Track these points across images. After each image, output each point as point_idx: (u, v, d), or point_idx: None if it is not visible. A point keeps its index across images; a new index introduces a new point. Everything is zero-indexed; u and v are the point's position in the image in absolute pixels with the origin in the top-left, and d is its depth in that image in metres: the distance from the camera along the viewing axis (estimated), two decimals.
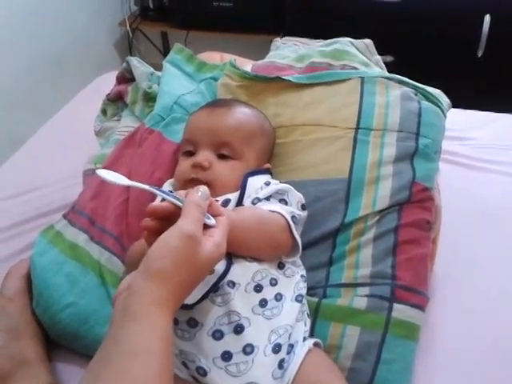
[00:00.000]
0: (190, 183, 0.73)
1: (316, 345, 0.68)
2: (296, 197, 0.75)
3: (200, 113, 0.83)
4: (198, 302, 0.62)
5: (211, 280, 0.62)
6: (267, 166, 0.81)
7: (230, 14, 2.19)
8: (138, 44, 2.63)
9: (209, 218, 0.57)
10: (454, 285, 0.85)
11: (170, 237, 0.51)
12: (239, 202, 0.71)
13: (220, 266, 0.64)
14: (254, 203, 0.71)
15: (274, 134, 0.87)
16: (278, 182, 0.76)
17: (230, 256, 0.65)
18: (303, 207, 0.75)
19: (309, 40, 1.11)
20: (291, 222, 0.69)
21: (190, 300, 0.61)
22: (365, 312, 0.71)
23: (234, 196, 0.72)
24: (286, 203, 0.73)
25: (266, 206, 0.70)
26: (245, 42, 2.18)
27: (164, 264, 0.49)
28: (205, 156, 0.75)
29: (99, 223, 0.83)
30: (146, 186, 0.57)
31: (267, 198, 0.72)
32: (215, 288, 0.63)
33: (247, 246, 0.66)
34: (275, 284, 0.67)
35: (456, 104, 1.11)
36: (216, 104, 0.85)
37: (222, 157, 0.76)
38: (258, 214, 0.69)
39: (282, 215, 0.69)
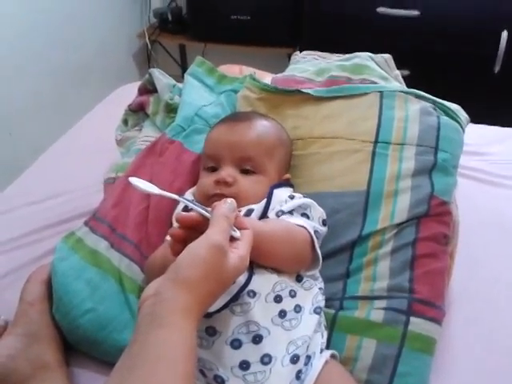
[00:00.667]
0: (213, 198, 0.73)
1: (333, 356, 0.68)
2: (318, 212, 0.76)
3: (220, 128, 0.83)
4: (219, 310, 0.63)
5: (233, 290, 0.63)
6: (287, 176, 0.82)
7: (247, 27, 2.22)
8: (156, 56, 2.67)
9: (234, 231, 0.58)
10: (471, 301, 0.85)
11: (199, 247, 0.52)
12: (264, 213, 0.72)
13: (241, 277, 0.64)
14: (278, 215, 0.72)
15: (291, 145, 0.88)
16: (301, 195, 0.77)
17: (252, 266, 0.66)
18: (324, 223, 0.76)
19: (328, 54, 1.12)
20: (314, 237, 0.71)
21: (210, 308, 0.62)
22: (381, 325, 0.71)
23: (258, 206, 0.73)
24: (308, 217, 0.74)
25: (290, 220, 0.71)
26: (262, 55, 2.20)
27: (193, 273, 0.51)
28: (228, 172, 0.76)
29: (120, 231, 0.84)
30: (176, 196, 0.59)
31: (290, 212, 0.73)
32: (236, 298, 0.64)
33: (275, 257, 0.67)
34: (294, 296, 0.68)
35: (472, 119, 1.11)
36: (235, 118, 0.86)
37: (245, 172, 0.77)
38: (286, 226, 0.70)
39: (307, 230, 0.70)
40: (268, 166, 0.79)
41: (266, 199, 0.74)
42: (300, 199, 0.75)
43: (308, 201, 0.76)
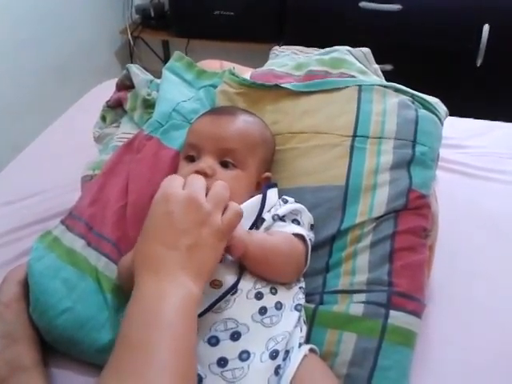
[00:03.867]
0: None
1: (312, 351, 0.67)
2: (307, 218, 0.76)
3: (204, 119, 0.82)
4: (203, 313, 0.63)
5: (219, 292, 0.64)
6: (267, 174, 0.81)
7: (231, 23, 2.22)
8: (139, 52, 2.65)
9: None
10: (451, 294, 0.85)
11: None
12: (259, 215, 0.72)
13: (230, 280, 0.65)
14: (273, 219, 0.73)
15: (274, 143, 0.87)
16: (293, 200, 0.77)
17: (241, 271, 0.66)
18: (312, 227, 0.77)
19: (307, 48, 1.12)
20: (309, 246, 0.72)
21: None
22: (361, 319, 0.71)
23: (250, 207, 0.73)
24: (299, 223, 0.74)
25: (286, 228, 0.72)
26: (246, 51, 2.20)
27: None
28: (208, 163, 0.74)
29: (97, 229, 0.83)
30: None
31: (282, 218, 0.73)
32: (222, 298, 0.64)
33: (280, 271, 0.69)
34: (275, 293, 0.68)
35: (455, 113, 1.12)
36: (221, 111, 0.85)
37: (225, 165, 0.76)
38: (289, 240, 0.70)
39: (304, 239, 0.71)
40: (249, 162, 0.77)
41: (260, 198, 0.74)
42: (292, 204, 0.76)
43: (299, 206, 0.76)
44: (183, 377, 0.49)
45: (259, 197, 0.74)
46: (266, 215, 0.73)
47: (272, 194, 0.77)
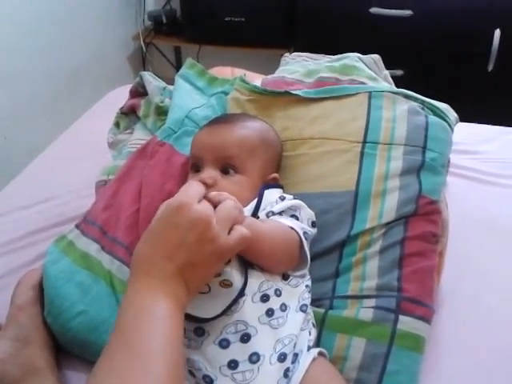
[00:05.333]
0: None
1: (321, 354, 0.68)
2: (307, 214, 0.76)
3: (203, 130, 0.84)
4: (215, 317, 0.63)
5: (231, 297, 0.64)
6: (274, 175, 0.82)
7: (242, 29, 2.23)
8: (151, 58, 2.68)
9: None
10: (461, 299, 0.85)
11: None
12: (254, 214, 0.72)
13: (238, 283, 0.65)
14: (267, 216, 0.72)
15: (280, 144, 0.87)
16: (291, 197, 0.77)
17: (246, 271, 0.67)
18: (313, 224, 0.76)
19: (318, 55, 1.13)
20: (303, 238, 0.71)
21: (208, 314, 0.63)
22: (370, 324, 0.72)
23: (248, 207, 0.73)
24: (297, 219, 0.74)
25: (280, 219, 0.72)
26: (257, 57, 2.21)
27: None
28: (209, 173, 0.76)
29: (111, 233, 0.84)
30: None
31: (280, 213, 0.73)
32: (233, 304, 0.64)
33: (272, 257, 0.68)
34: (280, 295, 0.68)
35: (466, 118, 1.12)
36: (218, 120, 0.86)
37: (226, 172, 0.77)
38: (281, 227, 0.70)
39: (296, 231, 0.71)
40: (250, 166, 0.78)
41: (256, 199, 0.74)
42: (290, 201, 0.76)
43: (298, 202, 0.76)
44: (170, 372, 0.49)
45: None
46: (261, 213, 0.73)
47: (271, 193, 0.77)
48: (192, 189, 0.61)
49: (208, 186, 0.73)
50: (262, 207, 0.73)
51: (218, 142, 0.79)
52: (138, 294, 0.55)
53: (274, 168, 0.84)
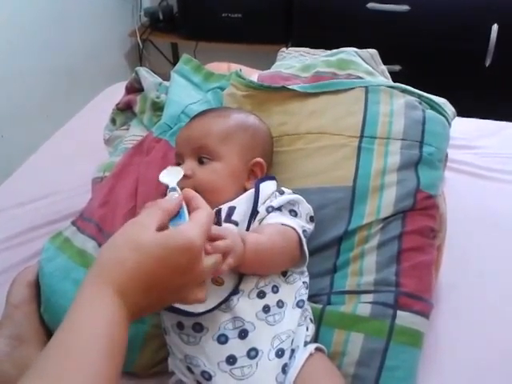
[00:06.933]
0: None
1: (318, 349, 0.68)
2: (306, 209, 0.76)
3: (183, 127, 0.85)
4: (208, 311, 0.63)
5: (224, 293, 0.64)
6: (258, 160, 0.79)
7: (239, 25, 2.23)
8: (148, 55, 2.67)
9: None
10: (460, 294, 0.85)
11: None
12: (254, 209, 0.71)
13: (231, 279, 0.65)
14: (268, 211, 0.72)
15: (263, 129, 0.85)
16: (290, 191, 0.77)
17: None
18: (311, 219, 0.76)
19: (314, 50, 1.12)
20: (303, 237, 0.71)
21: (199, 309, 0.62)
22: (368, 319, 0.72)
23: (244, 202, 0.73)
24: (296, 214, 0.74)
25: (279, 219, 0.71)
26: (254, 53, 2.20)
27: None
28: (187, 165, 0.76)
29: (107, 230, 0.84)
30: None
31: (279, 208, 0.73)
32: (227, 299, 0.64)
33: (274, 268, 0.69)
34: (277, 291, 0.68)
35: (464, 113, 1.12)
36: (196, 115, 0.85)
37: (202, 162, 0.76)
38: (280, 232, 0.69)
39: (295, 230, 0.70)
40: (224, 152, 0.77)
41: (253, 194, 0.73)
42: (289, 195, 0.75)
43: (297, 197, 0.75)
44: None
45: (252, 191, 0.74)
46: (261, 208, 0.72)
47: (266, 186, 0.76)
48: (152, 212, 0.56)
49: (188, 178, 0.73)
50: (260, 201, 0.73)
51: (192, 134, 0.79)
52: (80, 302, 0.50)
53: (258, 154, 0.80)
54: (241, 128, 0.81)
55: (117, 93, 1.22)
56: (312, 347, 0.67)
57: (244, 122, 0.83)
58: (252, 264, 0.65)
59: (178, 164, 0.79)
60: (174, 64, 2.70)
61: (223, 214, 0.71)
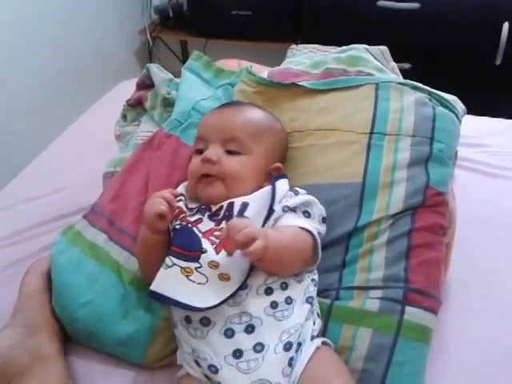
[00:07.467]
0: (201, 180, 0.76)
1: (325, 343, 0.68)
2: (319, 210, 0.76)
3: (211, 112, 0.85)
4: (215, 306, 0.64)
5: (232, 288, 0.65)
6: (277, 165, 0.81)
7: (248, 23, 2.22)
8: (157, 52, 2.68)
9: None
10: (469, 292, 0.85)
11: None
12: (270, 207, 0.72)
13: (238, 275, 0.66)
14: (284, 210, 0.72)
15: (285, 136, 0.87)
16: (304, 192, 0.77)
17: (251, 266, 0.67)
18: (323, 220, 0.77)
19: (325, 47, 1.12)
20: (318, 240, 0.71)
21: (205, 303, 0.63)
22: (377, 314, 0.72)
23: (260, 200, 0.73)
24: (309, 215, 0.74)
25: (295, 222, 0.72)
26: (263, 50, 2.20)
27: None
28: (214, 151, 0.76)
29: (118, 224, 0.85)
30: None
31: (293, 209, 0.73)
32: (234, 295, 0.65)
33: (290, 268, 0.69)
34: (286, 288, 0.68)
35: (474, 111, 1.11)
36: (227, 104, 0.87)
37: (230, 153, 0.77)
38: (298, 234, 0.70)
39: (312, 234, 0.71)
40: (254, 149, 0.78)
41: (270, 191, 0.74)
42: (304, 196, 0.76)
43: (311, 198, 0.76)
44: None
45: (268, 189, 0.74)
46: (276, 206, 0.73)
47: (282, 184, 0.76)
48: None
49: (213, 163, 0.74)
50: (276, 200, 0.73)
51: (224, 122, 0.79)
52: None
53: (278, 159, 0.84)
54: (270, 130, 0.83)
55: (126, 90, 1.22)
56: (319, 341, 0.67)
57: (273, 125, 0.85)
58: (271, 260, 0.65)
59: (198, 150, 0.79)
60: (184, 62, 2.72)
61: (235, 210, 0.72)
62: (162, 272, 0.66)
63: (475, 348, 0.77)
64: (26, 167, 1.23)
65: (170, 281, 0.66)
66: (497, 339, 0.79)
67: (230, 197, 0.73)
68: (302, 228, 0.71)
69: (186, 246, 0.68)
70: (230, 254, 0.65)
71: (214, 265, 0.66)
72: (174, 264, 0.66)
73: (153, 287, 0.66)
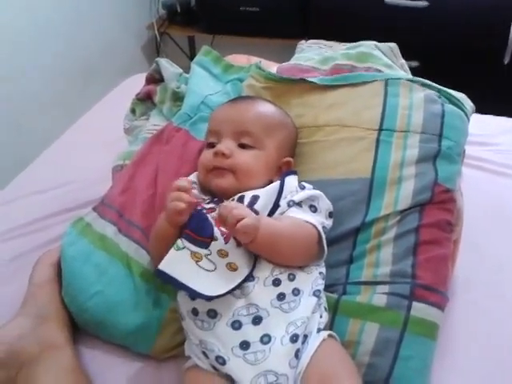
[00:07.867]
0: (212, 172, 0.76)
1: (331, 337, 0.68)
2: (325, 204, 0.76)
3: (224, 106, 0.86)
4: (220, 296, 0.64)
5: (236, 279, 0.65)
6: (288, 159, 0.82)
7: (256, 19, 2.22)
8: (165, 48, 2.68)
9: None
10: (477, 289, 0.85)
11: None
12: (276, 202, 0.72)
13: (245, 266, 0.66)
14: (289, 205, 0.73)
15: (296, 132, 0.88)
16: (311, 186, 0.78)
17: (255, 257, 0.68)
18: (330, 215, 0.77)
19: (334, 43, 1.13)
20: (322, 233, 0.72)
21: (212, 292, 0.64)
22: (384, 309, 0.72)
23: (268, 194, 0.73)
24: (316, 210, 0.74)
25: (299, 215, 0.72)
26: (271, 47, 2.20)
27: None
28: (226, 145, 0.77)
29: (127, 216, 0.85)
30: None
31: (299, 204, 0.73)
32: (239, 286, 0.65)
33: (291, 258, 0.69)
34: (293, 279, 0.69)
35: (482, 110, 1.11)
36: (240, 98, 0.88)
37: (242, 146, 0.78)
38: (300, 225, 0.71)
39: (315, 226, 0.71)
40: (266, 143, 0.79)
41: (278, 186, 0.74)
42: (310, 191, 0.76)
43: (317, 193, 0.76)
44: None
45: (277, 184, 0.75)
46: (282, 201, 0.73)
47: (290, 180, 0.77)
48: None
49: (225, 157, 0.75)
50: (283, 195, 0.74)
51: (237, 116, 0.80)
52: None
53: (289, 153, 0.84)
54: (282, 125, 0.84)
55: (134, 85, 1.23)
56: (325, 333, 0.67)
57: (284, 120, 0.85)
58: (264, 243, 0.65)
59: (210, 143, 0.80)
60: (191, 57, 2.72)
61: (246, 202, 0.72)
62: (172, 253, 0.66)
63: (481, 346, 0.78)
64: (34, 161, 1.24)
65: (180, 263, 0.66)
66: (503, 336, 0.79)
67: (240, 190, 0.74)
68: (306, 222, 0.71)
69: (198, 231, 0.68)
70: (227, 239, 0.66)
71: (223, 253, 0.66)
72: (184, 247, 0.66)
73: (161, 266, 0.65)
